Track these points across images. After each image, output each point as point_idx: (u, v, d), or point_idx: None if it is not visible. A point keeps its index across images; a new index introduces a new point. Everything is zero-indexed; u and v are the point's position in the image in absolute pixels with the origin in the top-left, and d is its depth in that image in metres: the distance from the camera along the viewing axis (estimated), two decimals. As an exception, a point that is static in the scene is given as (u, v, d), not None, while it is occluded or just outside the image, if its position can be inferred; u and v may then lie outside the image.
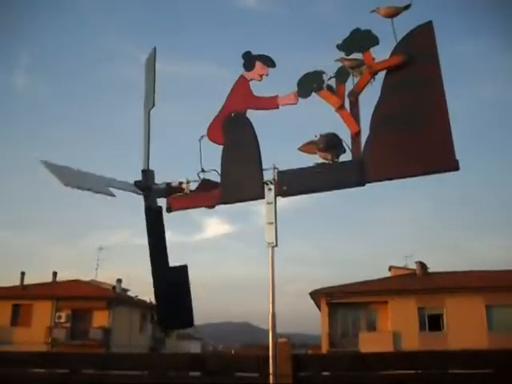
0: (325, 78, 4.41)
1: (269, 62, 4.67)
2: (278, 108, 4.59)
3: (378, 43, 4.29)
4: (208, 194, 4.60)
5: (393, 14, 4.30)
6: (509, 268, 36.93)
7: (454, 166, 3.81)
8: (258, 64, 4.69)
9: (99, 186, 4.45)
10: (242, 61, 4.76)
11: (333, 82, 4.42)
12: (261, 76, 4.69)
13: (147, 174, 4.77)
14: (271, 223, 4.18)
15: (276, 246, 4.12)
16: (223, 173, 4.54)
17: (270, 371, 3.70)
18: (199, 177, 4.67)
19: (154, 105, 4.86)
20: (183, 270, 4.63)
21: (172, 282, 4.53)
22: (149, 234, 4.64)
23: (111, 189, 4.52)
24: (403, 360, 3.78)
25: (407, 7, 4.32)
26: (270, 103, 4.62)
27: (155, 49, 5.03)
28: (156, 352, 44.11)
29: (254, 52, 4.75)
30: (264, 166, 4.41)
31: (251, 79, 4.73)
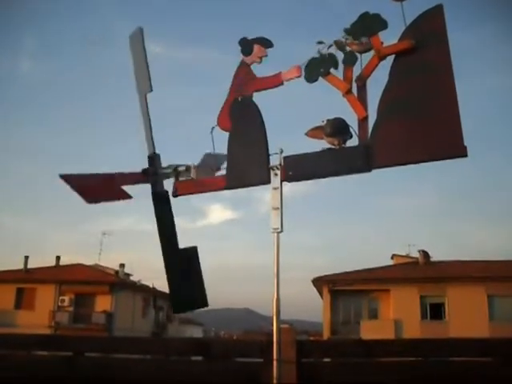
0: (323, 47, 4.36)
1: (266, 43, 4.65)
2: (282, 84, 4.55)
3: (386, 27, 4.24)
4: (214, 179, 4.57)
5: (402, -3, 4.24)
6: (509, 258, 37.02)
7: (462, 153, 3.77)
8: (255, 47, 4.67)
9: None
10: (240, 48, 4.73)
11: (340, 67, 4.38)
12: (260, 58, 4.66)
13: (153, 159, 4.77)
14: (277, 208, 4.15)
15: (281, 231, 4.09)
16: (229, 158, 4.51)
17: (274, 357, 3.70)
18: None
19: (151, 89, 4.79)
20: (193, 250, 4.61)
21: (183, 263, 4.53)
22: (158, 220, 4.63)
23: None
24: (408, 347, 3.77)
25: (417, -10, 4.26)
26: (275, 81, 4.59)
27: (142, 30, 4.90)
28: (159, 336, 44.45)
29: (252, 36, 4.72)
30: (270, 151, 4.37)
31: (252, 62, 4.70)
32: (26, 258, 45.22)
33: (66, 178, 4.75)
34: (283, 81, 4.54)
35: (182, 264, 4.53)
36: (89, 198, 4.81)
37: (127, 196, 4.82)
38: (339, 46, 4.35)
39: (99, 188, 4.83)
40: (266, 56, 4.65)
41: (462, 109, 3.82)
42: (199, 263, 4.59)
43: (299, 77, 4.45)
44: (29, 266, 45.16)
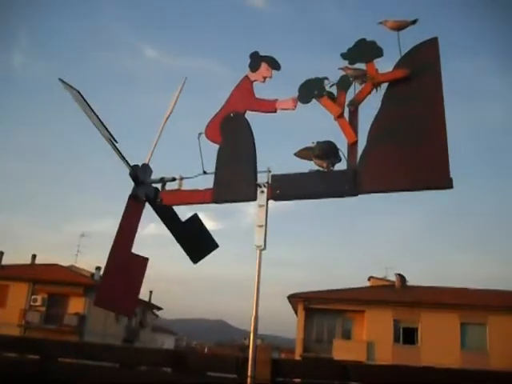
0: (327, 83, 4.41)
1: (274, 65, 4.66)
2: (275, 112, 4.58)
3: (382, 55, 4.31)
4: (201, 192, 4.58)
5: (399, 27, 4.32)
6: (485, 287, 37.43)
7: (447, 184, 3.83)
8: (263, 65, 4.68)
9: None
10: (249, 60, 4.74)
11: (334, 90, 4.42)
12: (264, 78, 4.67)
13: (147, 169, 4.86)
14: (261, 226, 4.16)
15: (264, 249, 4.11)
16: (217, 172, 4.52)
17: (249, 374, 3.69)
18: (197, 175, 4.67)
19: (116, 142, 4.79)
20: (195, 217, 5.25)
21: (189, 229, 5.15)
22: (160, 216, 4.97)
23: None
24: (385, 373, 3.78)
25: (414, 22, 4.34)
26: (269, 106, 4.60)
27: (80, 93, 4.67)
28: (131, 343, 43.95)
29: (249, 52, 4.75)
30: (259, 169, 4.40)
31: (255, 80, 4.71)
32: (1, 253, 44.62)
33: (102, 305, 4.76)
34: (277, 109, 4.57)
35: (188, 229, 5.15)
36: (128, 312, 5.07)
37: (144, 261, 4.73)
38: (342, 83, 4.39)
39: (124, 285, 4.66)
40: (271, 78, 4.66)
41: (451, 138, 3.89)
42: (201, 222, 5.29)
43: (294, 109, 4.48)
44: (3, 263, 44.55)
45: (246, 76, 4.75)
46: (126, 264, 4.62)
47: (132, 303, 4.95)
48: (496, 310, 34.62)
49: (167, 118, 5.03)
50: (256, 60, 4.71)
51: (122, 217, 4.76)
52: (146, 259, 4.69)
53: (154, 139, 4.94)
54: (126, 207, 4.80)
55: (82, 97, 4.67)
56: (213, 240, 5.36)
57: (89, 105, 4.70)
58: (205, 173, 4.61)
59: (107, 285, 4.73)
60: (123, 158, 4.81)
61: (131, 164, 4.83)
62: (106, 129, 4.75)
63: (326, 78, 4.43)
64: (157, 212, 4.90)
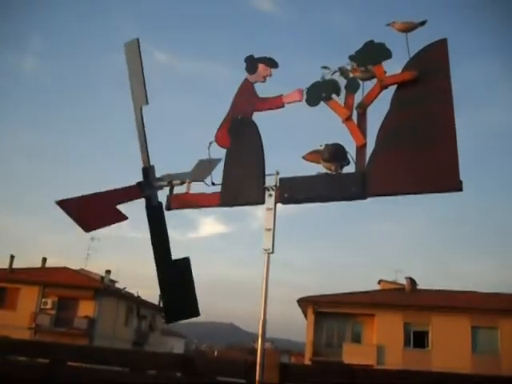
0: (327, 72, 4.40)
1: (271, 63, 4.72)
2: (283, 107, 4.59)
3: (390, 57, 4.28)
4: (208, 195, 4.57)
5: (408, 29, 4.30)
6: (496, 291, 37.15)
7: (457, 187, 3.79)
8: (260, 66, 4.73)
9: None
10: (245, 64, 4.78)
11: (336, 77, 4.40)
12: (264, 77, 4.72)
13: (147, 171, 4.78)
14: (269, 230, 4.14)
15: (272, 252, 4.08)
16: (225, 175, 4.51)
17: (257, 378, 3.67)
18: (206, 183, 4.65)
19: (147, 102, 4.76)
20: (185, 262, 4.66)
21: (175, 275, 4.60)
22: (151, 230, 4.71)
23: None
24: (392, 378, 3.75)
25: (423, 23, 4.31)
26: (276, 103, 4.63)
27: (138, 41, 4.81)
28: (141, 346, 44.00)
29: (257, 55, 4.79)
30: (267, 171, 4.38)
31: (255, 82, 4.74)
32: (12, 257, 44.81)
33: (63, 205, 4.72)
34: (284, 103, 4.57)
35: (175, 275, 4.60)
36: (86, 227, 4.84)
37: (123, 217, 4.81)
38: (343, 73, 4.38)
39: (95, 212, 4.82)
40: (271, 76, 4.69)
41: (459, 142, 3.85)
42: (191, 273, 4.64)
43: (300, 101, 4.48)
44: (14, 266, 44.73)
45: (246, 79, 4.79)
46: (105, 206, 4.78)
47: (92, 225, 4.94)
48: (507, 314, 34.30)
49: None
50: (252, 62, 4.76)
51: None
52: (125, 217, 4.81)
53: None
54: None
55: (139, 46, 4.78)
56: (197, 305, 4.64)
57: (140, 57, 4.76)
58: (213, 184, 4.60)
59: (80, 201, 4.81)
60: (145, 143, 4.77)
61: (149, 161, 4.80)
62: (145, 89, 4.74)
63: (326, 68, 4.42)
64: (149, 219, 4.77)
